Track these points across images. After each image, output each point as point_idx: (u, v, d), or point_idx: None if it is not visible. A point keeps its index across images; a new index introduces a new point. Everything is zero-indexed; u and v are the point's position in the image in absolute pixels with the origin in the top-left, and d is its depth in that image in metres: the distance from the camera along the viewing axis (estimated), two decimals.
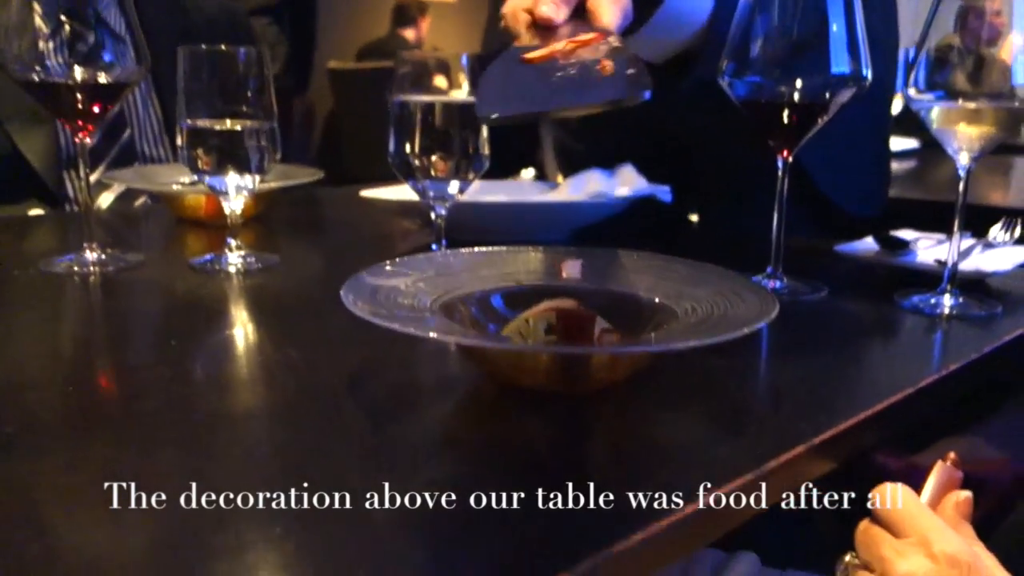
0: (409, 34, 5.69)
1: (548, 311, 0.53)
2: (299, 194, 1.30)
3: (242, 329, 0.71)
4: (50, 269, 0.84)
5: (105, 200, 1.38)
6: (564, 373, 0.50)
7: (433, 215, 0.83)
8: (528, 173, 1.33)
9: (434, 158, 0.80)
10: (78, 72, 0.82)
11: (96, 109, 0.84)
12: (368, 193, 1.03)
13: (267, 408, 0.53)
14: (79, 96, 0.83)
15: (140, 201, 1.39)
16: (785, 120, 0.75)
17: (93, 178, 1.38)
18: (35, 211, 1.34)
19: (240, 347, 0.67)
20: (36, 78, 0.81)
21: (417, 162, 0.79)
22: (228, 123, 0.83)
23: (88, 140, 0.86)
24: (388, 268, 0.58)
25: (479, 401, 0.53)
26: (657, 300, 0.58)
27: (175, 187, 1.12)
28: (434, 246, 0.83)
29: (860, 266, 0.88)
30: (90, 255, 0.86)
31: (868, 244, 0.88)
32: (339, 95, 5.43)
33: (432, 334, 0.47)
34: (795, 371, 0.61)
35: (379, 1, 5.99)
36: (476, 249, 0.65)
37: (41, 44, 0.81)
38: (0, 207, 1.35)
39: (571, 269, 0.61)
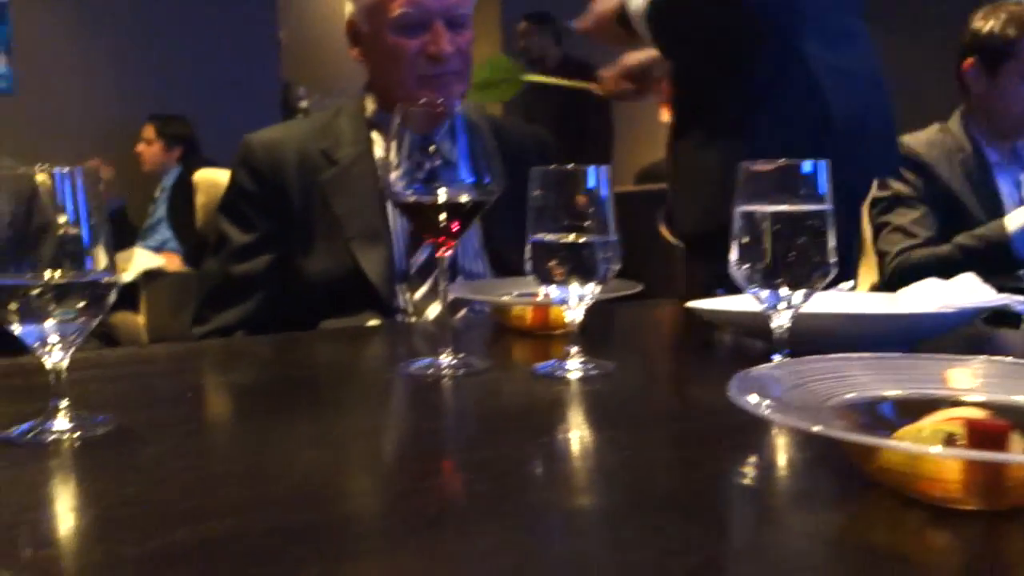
0: None
1: (951, 420, 0.50)
2: (611, 305, 1.34)
3: (581, 432, 0.75)
4: (410, 372, 0.93)
5: (432, 311, 1.50)
6: (975, 484, 0.47)
7: (774, 325, 0.83)
8: (847, 284, 1.29)
9: (779, 267, 0.80)
10: (442, 194, 0.91)
11: (455, 228, 0.93)
12: (694, 304, 1.05)
13: (603, 508, 0.55)
14: (442, 216, 0.92)
15: (461, 313, 1.50)
16: None
17: (423, 291, 1.51)
18: (372, 321, 1.49)
19: (584, 447, 0.69)
20: (410, 199, 0.92)
21: (762, 272, 0.80)
22: (572, 237, 0.88)
23: (448, 253, 0.95)
24: (769, 370, 0.58)
25: (875, 511, 0.51)
26: None
27: (504, 299, 1.20)
28: (774, 356, 0.82)
29: None
30: (444, 359, 0.94)
31: None
32: None
33: (836, 434, 0.47)
34: None
35: (656, 128, 6.18)
36: (865, 356, 0.64)
37: (412, 172, 0.92)
38: (342, 318, 1.51)
39: (961, 378, 0.58)
